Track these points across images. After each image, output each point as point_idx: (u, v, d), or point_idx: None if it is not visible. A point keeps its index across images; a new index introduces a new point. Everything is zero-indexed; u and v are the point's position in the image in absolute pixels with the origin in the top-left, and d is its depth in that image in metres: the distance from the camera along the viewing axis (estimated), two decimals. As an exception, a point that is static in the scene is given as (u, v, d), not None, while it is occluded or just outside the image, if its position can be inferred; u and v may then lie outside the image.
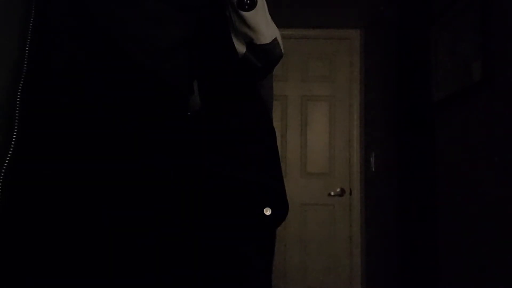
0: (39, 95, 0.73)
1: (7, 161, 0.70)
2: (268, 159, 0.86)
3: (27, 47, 0.74)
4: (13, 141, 0.71)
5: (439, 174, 2.68)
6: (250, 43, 0.89)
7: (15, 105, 0.72)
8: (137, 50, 0.76)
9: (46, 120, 0.73)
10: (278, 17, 1.02)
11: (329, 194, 3.41)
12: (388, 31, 3.36)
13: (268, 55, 0.91)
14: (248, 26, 0.86)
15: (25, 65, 0.73)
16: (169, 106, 0.80)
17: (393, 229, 3.18)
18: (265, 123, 0.89)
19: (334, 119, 3.51)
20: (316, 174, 3.46)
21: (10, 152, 0.70)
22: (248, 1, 0.84)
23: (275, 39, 0.91)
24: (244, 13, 0.85)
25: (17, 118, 0.71)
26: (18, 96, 0.72)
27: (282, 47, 0.93)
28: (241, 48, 0.89)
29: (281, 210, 0.83)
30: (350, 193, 3.43)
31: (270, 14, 0.91)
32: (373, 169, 3.35)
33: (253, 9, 0.85)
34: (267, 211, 0.81)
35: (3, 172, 0.69)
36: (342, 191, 3.42)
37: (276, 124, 3.37)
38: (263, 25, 0.88)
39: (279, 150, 0.90)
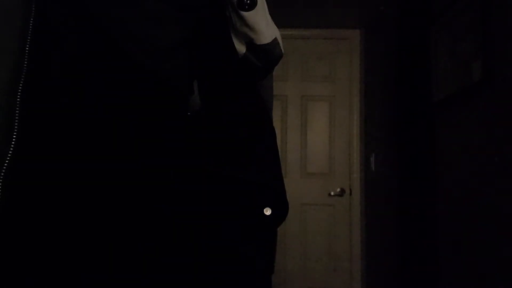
0: (39, 95, 0.73)
1: (7, 161, 0.70)
2: (268, 159, 0.86)
3: (27, 47, 0.74)
4: (13, 141, 0.71)
5: (439, 174, 2.68)
6: (250, 43, 0.89)
7: (15, 105, 0.72)
8: (137, 50, 0.76)
9: (46, 120, 0.73)
10: (278, 17, 1.02)
11: (329, 194, 3.41)
12: (388, 31, 3.36)
13: (268, 55, 0.91)
14: (248, 26, 0.86)
15: (25, 65, 0.73)
16: (169, 106, 0.80)
17: (393, 229, 3.18)
18: (265, 123, 0.89)
19: (334, 119, 3.51)
20: (316, 174, 3.46)
21: (10, 152, 0.70)
22: (248, 1, 0.84)
23: (275, 39, 0.91)
24: (244, 13, 0.85)
25: (17, 118, 0.71)
26: (18, 96, 0.72)
27: (282, 47, 0.93)
28: (241, 48, 0.89)
29: (281, 210, 0.84)
30: (350, 193, 3.43)
31: (270, 14, 0.91)
32: (373, 169, 3.35)
33: (253, 9, 0.85)
34: (267, 211, 0.81)
35: (3, 172, 0.69)
36: (342, 191, 3.42)
37: (276, 124, 3.37)
38: (263, 25, 0.88)
39: (279, 150, 0.90)
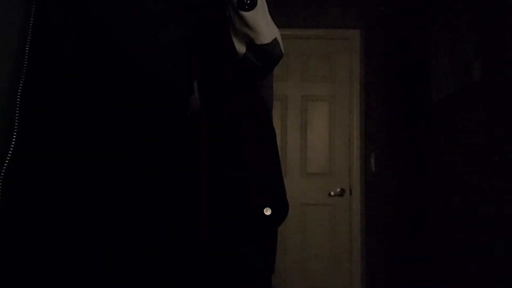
0: (39, 95, 0.73)
1: (7, 161, 0.70)
2: (268, 159, 0.86)
3: (27, 47, 0.74)
4: (13, 141, 0.71)
5: (439, 174, 2.68)
6: (250, 43, 0.89)
7: (15, 105, 0.72)
8: (137, 50, 0.76)
9: (46, 120, 0.73)
10: (278, 17, 1.02)
11: (329, 194, 3.41)
12: (388, 31, 3.36)
13: (268, 55, 0.91)
14: (248, 26, 0.86)
15: (25, 65, 0.73)
16: (169, 106, 0.80)
17: (393, 229, 3.18)
18: (265, 123, 0.89)
19: (334, 119, 3.51)
20: (316, 174, 3.46)
21: (10, 152, 0.70)
22: (248, 1, 0.84)
23: (275, 39, 0.91)
24: (244, 13, 0.85)
25: (17, 118, 0.72)
26: (18, 96, 0.72)
27: (282, 47, 0.93)
28: (241, 48, 0.89)
29: (281, 210, 0.84)
30: (350, 193, 3.43)
31: (270, 14, 0.91)
32: (373, 169, 3.35)
33: (253, 9, 0.85)
34: (267, 211, 0.81)
35: (3, 172, 0.69)
36: (342, 191, 3.42)
37: (276, 124, 3.37)
38: (263, 25, 0.88)
39: (279, 150, 0.90)
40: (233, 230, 0.82)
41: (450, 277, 2.52)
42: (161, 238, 0.77)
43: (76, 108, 0.73)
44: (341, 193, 3.42)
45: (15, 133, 0.71)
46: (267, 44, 0.89)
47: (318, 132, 3.51)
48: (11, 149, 0.70)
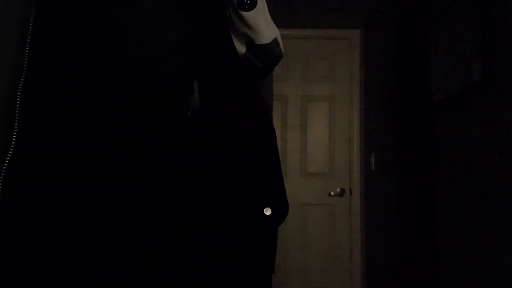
0: (39, 95, 0.73)
1: (7, 161, 0.70)
2: (268, 159, 0.86)
3: (27, 47, 0.74)
4: (13, 141, 0.71)
5: (439, 174, 2.68)
6: (250, 43, 0.89)
7: (15, 105, 0.72)
8: (137, 50, 0.76)
9: (46, 120, 0.73)
10: (278, 17, 1.02)
11: (329, 194, 3.41)
12: (388, 31, 3.36)
13: (268, 55, 0.91)
14: (248, 26, 0.86)
15: (25, 65, 0.73)
16: (169, 106, 0.80)
17: (393, 229, 3.18)
18: (265, 123, 0.89)
19: (334, 119, 3.51)
20: (316, 174, 3.46)
21: (10, 152, 0.70)
22: (248, 1, 0.84)
23: (275, 39, 0.91)
24: (244, 13, 0.85)
25: (17, 118, 0.71)
26: (18, 96, 0.72)
27: (282, 47, 0.93)
28: (241, 48, 0.89)
29: (281, 210, 0.84)
30: (350, 193, 3.43)
31: (270, 14, 0.91)
32: (373, 169, 3.35)
33: (253, 9, 0.85)
34: (267, 211, 0.82)
35: (3, 172, 0.69)
36: (342, 191, 3.42)
37: (276, 124, 3.37)
38: (263, 25, 0.88)
39: (279, 150, 0.90)
40: (233, 230, 0.82)
41: (450, 277, 2.52)
42: (161, 238, 0.77)
43: (76, 108, 0.73)
44: (341, 193, 3.42)
45: (15, 133, 0.71)
46: (267, 44, 0.89)
47: (318, 132, 3.51)
48: (11, 149, 0.70)
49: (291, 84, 3.53)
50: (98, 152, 0.74)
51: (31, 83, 0.73)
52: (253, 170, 0.83)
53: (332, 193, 3.41)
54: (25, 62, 0.73)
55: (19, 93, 0.72)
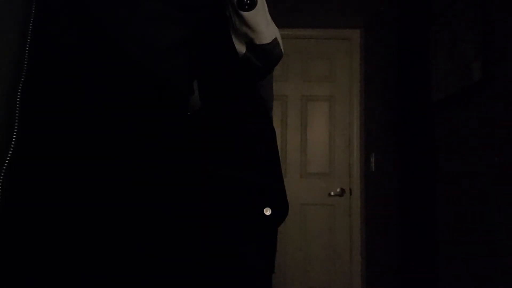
0: (39, 95, 0.73)
1: (7, 161, 0.70)
2: (268, 159, 0.86)
3: (27, 47, 0.74)
4: (13, 141, 0.71)
5: (439, 174, 2.68)
6: (250, 43, 0.89)
7: (15, 105, 0.72)
8: (137, 50, 0.76)
9: (46, 120, 0.73)
10: (278, 17, 1.02)
11: (329, 194, 3.41)
12: (388, 31, 3.36)
13: (268, 55, 0.91)
14: (248, 26, 0.86)
15: (25, 65, 0.73)
16: (169, 106, 0.80)
17: (393, 229, 3.18)
18: (265, 123, 0.89)
19: (334, 119, 3.51)
20: (316, 174, 3.46)
21: (10, 152, 0.70)
22: (248, 1, 0.84)
23: (275, 39, 0.91)
24: (244, 13, 0.85)
25: (17, 118, 0.71)
26: (18, 96, 0.72)
27: (282, 47, 0.93)
28: (241, 48, 0.89)
29: (281, 210, 0.84)
30: (350, 193, 3.43)
31: (270, 14, 0.91)
32: (373, 169, 3.35)
33: (253, 9, 0.85)
34: (267, 211, 0.82)
35: (3, 172, 0.69)
36: (342, 191, 3.42)
37: (276, 124, 3.37)
38: (263, 25, 0.88)
39: (279, 150, 0.90)
40: (233, 230, 0.82)
41: (450, 277, 2.52)
42: (161, 238, 0.77)
43: (76, 108, 0.73)
44: (341, 193, 3.42)
45: (15, 133, 0.71)
46: (267, 44, 0.89)
47: (318, 132, 3.51)
48: (11, 149, 0.70)
49: (291, 84, 3.53)
50: (98, 152, 0.74)
51: (31, 83, 0.73)
52: (253, 170, 0.83)
53: (332, 193, 3.41)
54: (25, 62, 0.73)
55: (19, 93, 0.72)
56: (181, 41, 0.82)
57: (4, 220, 0.69)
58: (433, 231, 2.69)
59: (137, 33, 0.77)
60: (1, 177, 0.69)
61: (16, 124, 0.71)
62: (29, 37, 0.74)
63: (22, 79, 0.73)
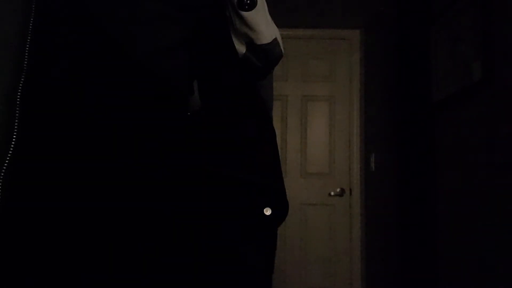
0: (39, 95, 0.73)
1: (7, 161, 0.70)
2: (268, 159, 0.86)
3: (27, 47, 0.74)
4: (13, 141, 0.71)
5: (439, 174, 2.68)
6: (250, 43, 0.89)
7: (15, 105, 0.72)
8: (137, 50, 0.76)
9: (46, 120, 0.73)
10: (278, 17, 1.02)
11: (329, 194, 3.41)
12: (388, 31, 3.36)
13: (268, 55, 0.91)
14: (248, 26, 0.86)
15: (25, 65, 0.73)
16: (169, 106, 0.80)
17: (393, 229, 3.18)
18: (265, 123, 0.89)
19: (334, 119, 3.51)
20: (316, 174, 3.46)
21: (10, 152, 0.70)
22: (248, 1, 0.84)
23: (275, 39, 0.91)
24: (244, 13, 0.85)
25: (17, 118, 0.71)
26: (18, 96, 0.72)
27: (282, 47, 0.93)
28: (241, 48, 0.89)
29: (281, 210, 0.83)
30: (350, 193, 3.43)
31: (270, 14, 0.91)
32: (373, 169, 3.35)
33: (253, 9, 0.85)
34: (267, 211, 0.81)
35: (3, 172, 0.69)
36: (342, 191, 3.42)
37: (276, 124, 3.37)
38: (263, 25, 0.88)
39: (279, 150, 0.90)
40: (233, 230, 0.81)
41: (450, 278, 2.52)
42: (161, 238, 0.77)
43: (76, 108, 0.73)
44: (341, 193, 3.42)
45: (15, 133, 0.71)
46: (267, 44, 0.89)
47: (318, 132, 3.51)
48: (11, 149, 0.70)
49: (291, 84, 3.53)
50: (98, 152, 0.74)
51: (31, 83, 0.73)
52: (253, 170, 0.83)
53: (332, 193, 3.41)
54: (25, 62, 0.73)
55: (19, 93, 0.72)
56: (181, 41, 0.82)
57: (4, 220, 0.69)
58: (433, 231, 2.69)
59: (137, 33, 0.77)
60: (1, 177, 0.69)
61: (16, 124, 0.71)
62: (29, 37, 0.74)
63: (22, 79, 0.73)
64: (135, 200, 0.75)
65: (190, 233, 0.79)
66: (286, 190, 0.86)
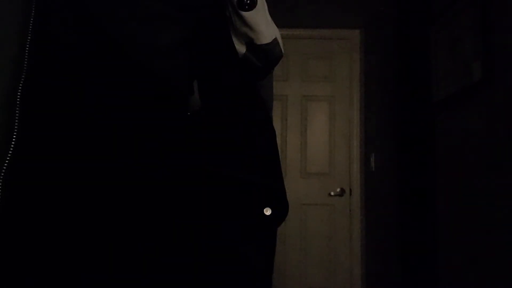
0: (39, 95, 0.73)
1: (7, 161, 0.70)
2: (268, 159, 0.86)
3: (27, 47, 0.74)
4: (13, 141, 0.71)
5: (439, 174, 2.68)
6: (250, 43, 0.89)
7: (15, 105, 0.72)
8: (137, 50, 0.76)
9: (46, 120, 0.73)
10: (278, 17, 1.02)
11: (329, 194, 3.41)
12: (388, 31, 3.36)
13: (268, 55, 0.91)
14: (248, 26, 0.86)
15: (25, 65, 0.73)
16: (169, 106, 0.80)
17: (393, 229, 3.18)
18: (265, 123, 0.89)
19: (334, 119, 3.51)
20: (316, 174, 3.46)
21: (10, 152, 0.70)
22: (248, 1, 0.84)
23: (275, 39, 0.91)
24: (244, 13, 0.85)
25: (17, 118, 0.71)
26: (18, 96, 0.72)
27: (282, 47, 0.93)
28: (241, 48, 0.89)
29: (281, 210, 0.83)
30: (350, 193, 3.43)
31: (270, 14, 0.91)
32: (373, 169, 3.35)
33: (253, 9, 0.85)
34: (267, 211, 0.81)
35: (3, 172, 0.69)
36: (342, 191, 3.42)
37: (276, 124, 3.37)
38: (263, 25, 0.88)
39: (279, 150, 0.90)
40: (233, 230, 0.81)
41: (450, 278, 2.52)
42: (161, 238, 0.77)
43: (76, 108, 0.73)
44: (341, 193, 3.42)
45: (15, 133, 0.71)
46: (267, 44, 0.89)
47: (318, 132, 3.51)
48: (11, 149, 0.70)
49: (291, 84, 3.53)
50: (98, 152, 0.73)
51: (31, 83, 0.73)
52: (253, 170, 0.83)
53: (332, 193, 3.41)
54: (25, 62, 0.73)
55: (19, 93, 0.72)
56: (181, 41, 0.82)
57: (4, 220, 0.69)
58: (433, 231, 2.69)
59: (137, 33, 0.77)
60: (1, 177, 0.69)
61: (16, 124, 0.71)
62: (29, 37, 0.74)
63: (22, 79, 0.73)
64: (135, 200, 0.75)
65: (190, 233, 0.79)
66: (286, 190, 0.86)
